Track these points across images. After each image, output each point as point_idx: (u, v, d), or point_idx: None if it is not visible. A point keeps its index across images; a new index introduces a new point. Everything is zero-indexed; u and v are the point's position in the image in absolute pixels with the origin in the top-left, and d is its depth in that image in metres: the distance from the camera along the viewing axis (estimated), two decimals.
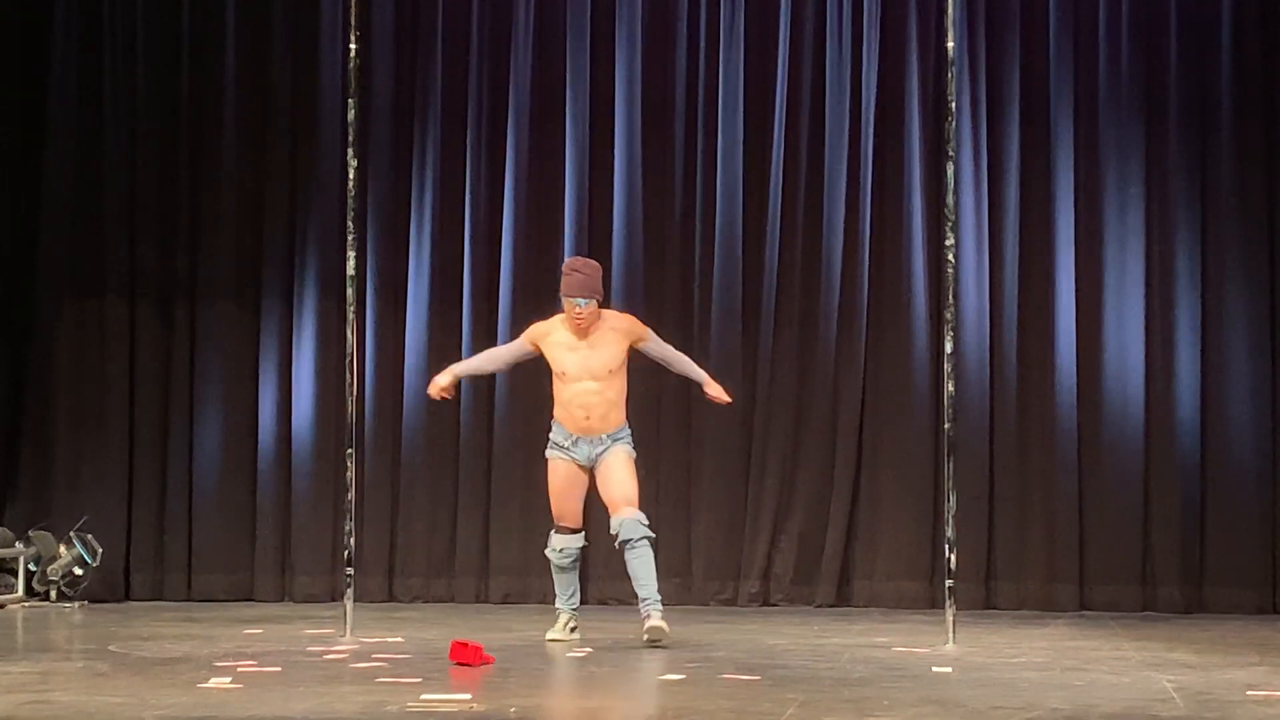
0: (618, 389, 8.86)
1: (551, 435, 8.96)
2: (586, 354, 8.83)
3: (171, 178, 11.75)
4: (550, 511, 9.03)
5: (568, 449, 8.88)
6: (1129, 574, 11.00)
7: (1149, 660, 8.13)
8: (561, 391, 8.89)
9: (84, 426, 11.65)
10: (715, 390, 8.98)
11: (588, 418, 8.80)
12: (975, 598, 10.88)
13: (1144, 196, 11.19)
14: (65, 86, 11.78)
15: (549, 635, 8.91)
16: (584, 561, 9.32)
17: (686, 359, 9.12)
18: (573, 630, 8.94)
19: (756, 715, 6.24)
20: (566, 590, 8.97)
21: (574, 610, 8.99)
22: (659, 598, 8.73)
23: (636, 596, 8.79)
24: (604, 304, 9.07)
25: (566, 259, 9.47)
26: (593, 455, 8.84)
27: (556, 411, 8.94)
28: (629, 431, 8.93)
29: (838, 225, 11.32)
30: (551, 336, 8.92)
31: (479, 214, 11.60)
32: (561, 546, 8.91)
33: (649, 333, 9.01)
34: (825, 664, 7.95)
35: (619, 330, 8.88)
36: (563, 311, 8.88)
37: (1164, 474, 11.06)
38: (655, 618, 8.66)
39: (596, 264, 9.00)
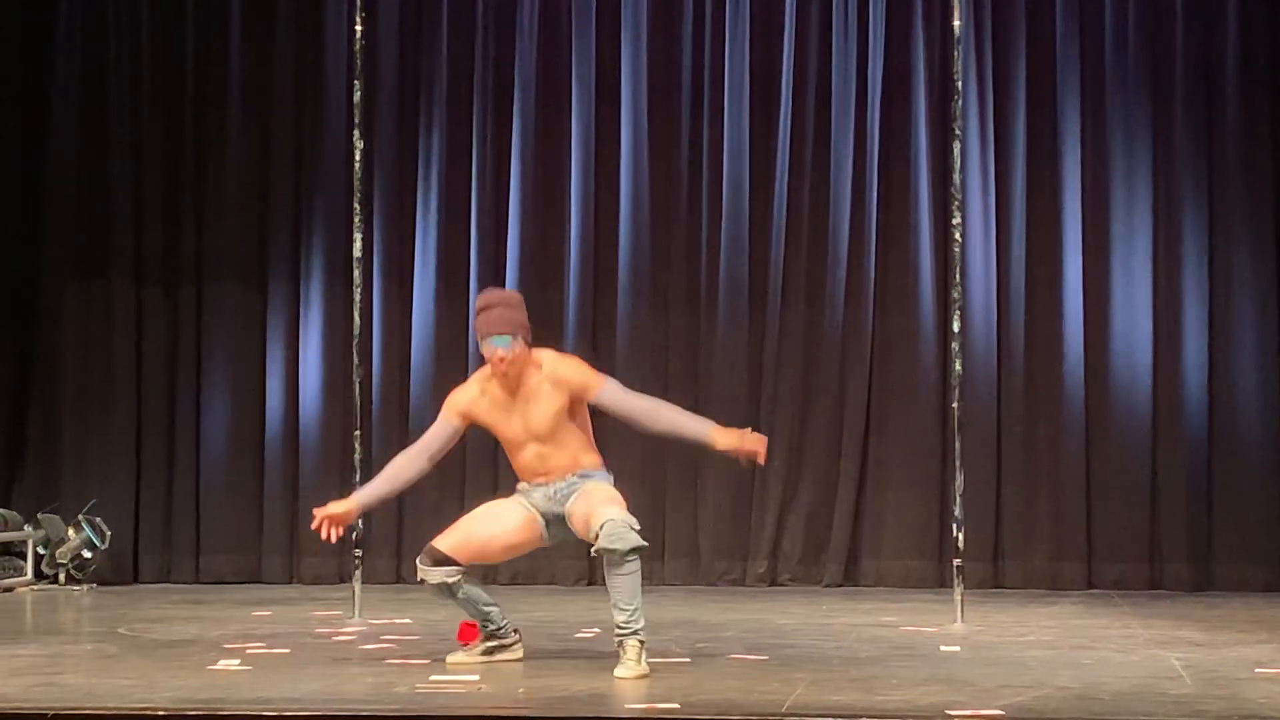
0: (577, 438, 6.97)
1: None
2: (523, 410, 6.94)
3: (177, 160, 11.74)
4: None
5: (522, 493, 7.08)
6: (1137, 552, 10.99)
7: (1157, 638, 8.12)
8: (510, 456, 7.12)
9: (91, 409, 11.66)
10: (728, 440, 6.88)
11: (546, 473, 6.99)
12: (983, 576, 10.87)
13: (1151, 172, 11.17)
14: (70, 68, 11.76)
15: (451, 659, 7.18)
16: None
17: (669, 408, 7.11)
18: (497, 648, 7.21)
19: (764, 695, 6.24)
20: (470, 613, 7.19)
21: (496, 628, 7.22)
22: (643, 624, 6.77)
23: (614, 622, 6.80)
24: (538, 343, 7.08)
25: (481, 293, 7.31)
26: (555, 496, 6.97)
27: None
28: (608, 475, 7.08)
29: (844, 204, 11.29)
30: (480, 400, 7.01)
31: (485, 195, 11.57)
32: (423, 578, 7.10)
33: (602, 382, 6.95)
34: (833, 643, 7.96)
35: (555, 380, 6.92)
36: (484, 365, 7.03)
37: (1172, 451, 11.04)
38: (633, 656, 6.73)
39: (516, 294, 7.18)
